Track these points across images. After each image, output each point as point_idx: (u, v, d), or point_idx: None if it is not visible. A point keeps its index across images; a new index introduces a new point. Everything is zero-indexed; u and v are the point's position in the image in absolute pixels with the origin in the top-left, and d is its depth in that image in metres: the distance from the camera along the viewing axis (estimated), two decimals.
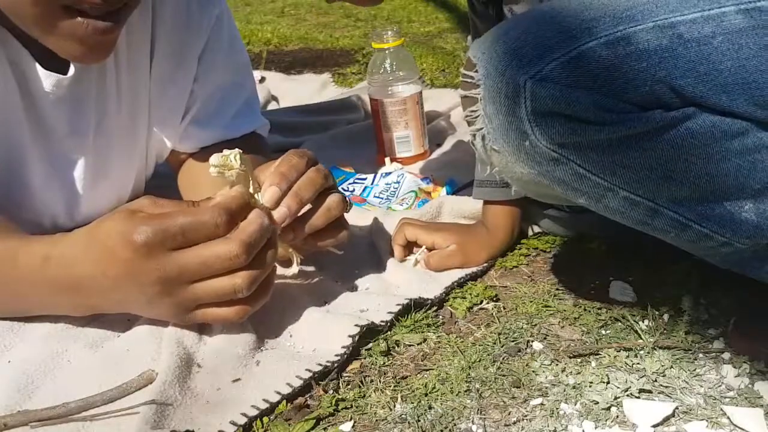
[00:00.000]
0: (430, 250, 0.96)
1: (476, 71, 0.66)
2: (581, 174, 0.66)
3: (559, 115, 0.63)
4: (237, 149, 0.77)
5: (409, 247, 0.98)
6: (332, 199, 0.82)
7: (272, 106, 1.79)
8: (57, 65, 0.85)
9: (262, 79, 2.00)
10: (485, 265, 0.96)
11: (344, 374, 0.77)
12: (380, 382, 0.75)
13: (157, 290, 0.71)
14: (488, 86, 0.64)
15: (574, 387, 0.72)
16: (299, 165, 0.81)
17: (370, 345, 0.81)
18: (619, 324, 0.81)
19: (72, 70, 0.86)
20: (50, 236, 0.77)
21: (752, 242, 0.69)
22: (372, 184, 1.22)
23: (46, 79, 0.85)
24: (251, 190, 0.78)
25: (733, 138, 0.65)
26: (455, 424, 0.69)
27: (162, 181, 1.08)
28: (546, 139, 0.63)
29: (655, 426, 0.66)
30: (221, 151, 0.77)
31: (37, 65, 0.83)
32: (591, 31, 0.62)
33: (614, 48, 0.62)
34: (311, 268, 0.95)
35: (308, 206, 0.82)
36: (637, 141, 0.64)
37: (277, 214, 0.78)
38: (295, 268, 0.86)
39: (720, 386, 0.71)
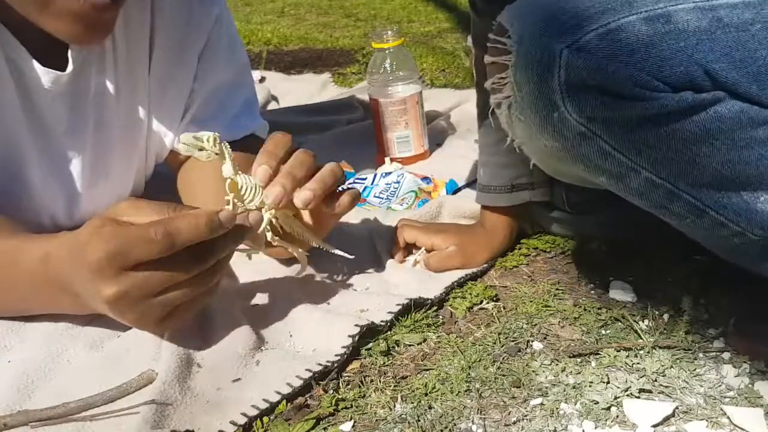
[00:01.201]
0: (429, 251, 0.96)
1: (508, 37, 0.64)
2: (607, 151, 0.65)
3: (592, 87, 0.61)
4: (214, 133, 0.74)
5: (409, 248, 0.98)
6: (329, 166, 0.81)
7: (272, 106, 1.79)
8: (54, 62, 0.85)
9: (262, 79, 2.00)
10: (485, 265, 0.96)
11: (344, 374, 0.77)
12: (380, 382, 0.75)
13: (109, 307, 0.70)
14: (521, 53, 0.63)
15: (574, 387, 0.72)
16: (284, 141, 0.81)
17: (370, 345, 0.81)
18: (619, 324, 0.81)
19: (70, 66, 0.86)
20: (51, 235, 0.77)
21: (765, 233, 0.69)
22: (372, 184, 1.22)
23: (44, 75, 0.84)
24: (231, 173, 0.75)
25: (759, 126, 0.65)
26: (455, 424, 0.69)
27: (162, 181, 1.08)
28: (577, 112, 0.62)
29: (655, 426, 0.66)
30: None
31: (35, 62, 0.83)
32: (632, 4, 0.61)
33: (654, 24, 0.61)
34: (311, 269, 0.95)
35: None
36: (667, 120, 0.64)
37: (272, 194, 0.77)
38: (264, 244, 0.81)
39: (720, 386, 0.71)
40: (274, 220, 0.79)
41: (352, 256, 0.84)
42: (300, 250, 0.86)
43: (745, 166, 0.65)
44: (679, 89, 0.63)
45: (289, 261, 0.95)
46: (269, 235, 0.79)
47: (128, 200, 0.73)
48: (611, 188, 0.70)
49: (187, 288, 0.70)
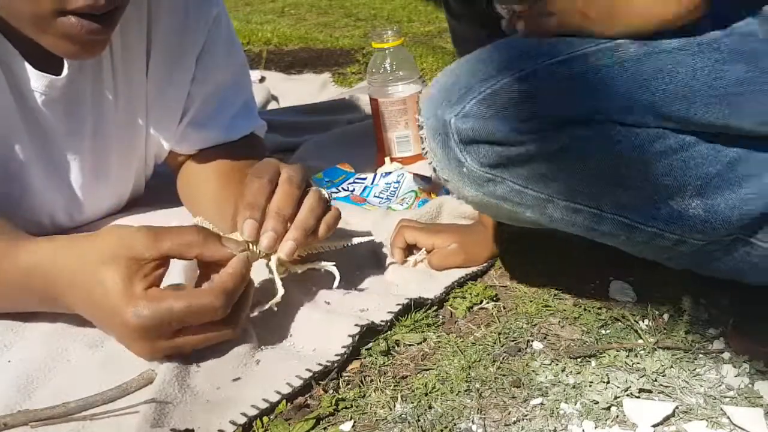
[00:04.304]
0: (429, 251, 0.96)
1: (422, 115, 0.76)
2: (518, 190, 0.73)
3: (481, 141, 0.71)
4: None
5: (409, 249, 0.98)
6: (312, 197, 0.82)
7: (272, 106, 1.79)
8: (49, 67, 0.85)
9: (262, 79, 2.00)
10: (485, 264, 0.96)
11: (344, 374, 0.77)
12: (380, 381, 0.75)
13: (144, 351, 0.74)
14: (428, 126, 0.74)
15: (574, 387, 0.72)
16: (262, 187, 0.80)
17: (370, 345, 0.81)
18: (619, 324, 0.81)
19: (65, 71, 0.86)
20: (35, 245, 0.76)
21: (705, 237, 0.73)
22: (372, 184, 1.22)
23: (39, 80, 0.85)
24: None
25: (654, 141, 0.71)
26: (455, 424, 0.69)
27: (162, 181, 1.08)
28: (477, 163, 0.72)
29: (655, 426, 0.66)
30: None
31: (29, 66, 0.84)
32: (507, 69, 0.72)
33: (523, 83, 0.71)
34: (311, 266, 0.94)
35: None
36: (557, 155, 0.71)
37: (265, 241, 0.78)
38: (278, 297, 0.81)
39: (720, 386, 0.71)
40: (278, 260, 0.80)
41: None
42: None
43: (660, 177, 0.72)
44: (560, 128, 0.71)
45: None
46: (280, 272, 0.81)
47: (145, 230, 0.72)
48: (541, 221, 0.76)
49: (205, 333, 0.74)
